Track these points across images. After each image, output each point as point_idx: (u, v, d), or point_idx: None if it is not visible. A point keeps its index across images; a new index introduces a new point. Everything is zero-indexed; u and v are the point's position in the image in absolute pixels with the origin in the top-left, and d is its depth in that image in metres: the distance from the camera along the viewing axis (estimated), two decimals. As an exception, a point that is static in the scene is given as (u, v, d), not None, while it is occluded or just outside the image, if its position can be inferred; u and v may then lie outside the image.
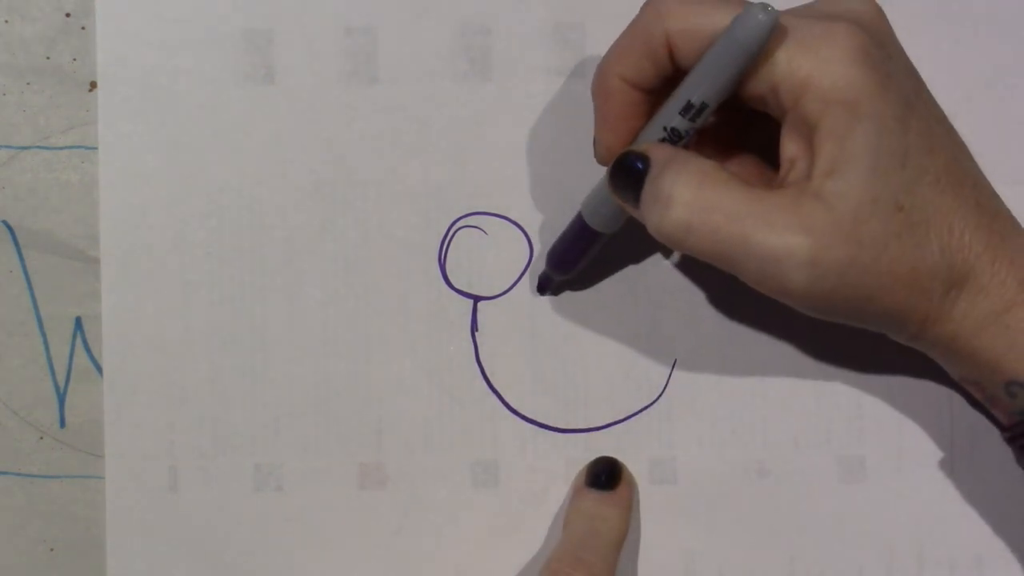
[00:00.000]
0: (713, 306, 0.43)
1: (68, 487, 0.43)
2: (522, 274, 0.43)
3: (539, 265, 0.43)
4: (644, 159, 0.36)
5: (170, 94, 0.42)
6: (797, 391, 0.43)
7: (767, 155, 0.39)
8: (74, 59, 0.43)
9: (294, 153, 0.43)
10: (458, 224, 0.43)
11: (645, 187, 0.35)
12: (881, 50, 0.35)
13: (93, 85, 0.43)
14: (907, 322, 0.36)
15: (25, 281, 0.43)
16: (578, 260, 0.41)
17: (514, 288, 0.43)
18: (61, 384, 0.43)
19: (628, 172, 0.36)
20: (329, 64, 0.43)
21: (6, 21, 0.43)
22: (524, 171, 0.43)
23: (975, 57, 0.42)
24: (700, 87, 0.35)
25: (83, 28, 0.43)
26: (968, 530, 0.42)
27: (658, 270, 0.43)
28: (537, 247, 0.43)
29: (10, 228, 0.43)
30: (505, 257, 0.43)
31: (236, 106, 0.43)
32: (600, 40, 0.42)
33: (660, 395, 0.43)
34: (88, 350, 0.43)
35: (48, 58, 0.43)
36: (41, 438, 0.43)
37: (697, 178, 0.35)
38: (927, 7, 0.42)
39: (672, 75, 0.36)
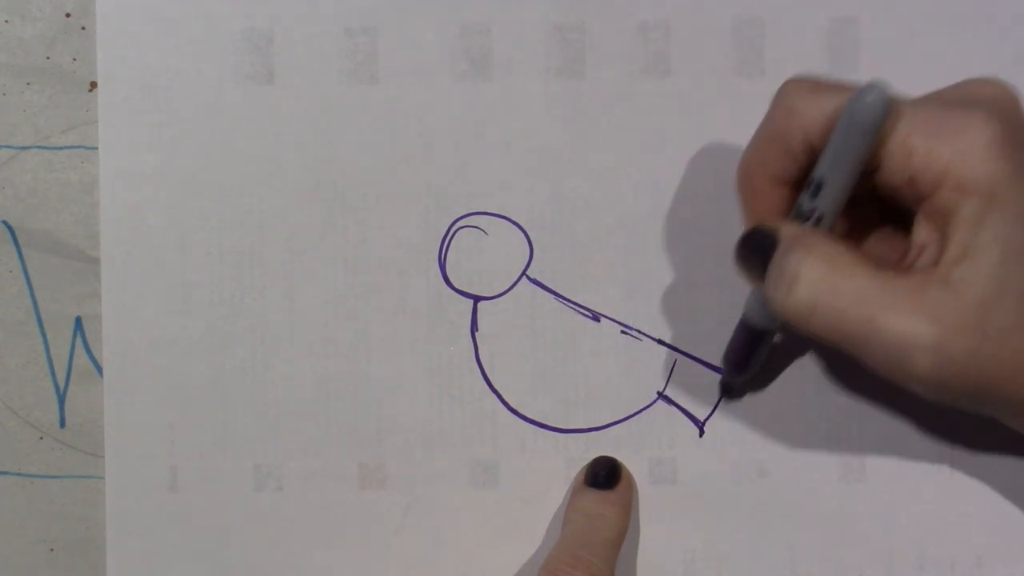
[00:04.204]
0: (713, 306, 0.43)
1: (68, 487, 0.43)
2: (522, 274, 0.43)
3: (539, 265, 0.43)
4: (772, 235, 0.36)
5: (170, 94, 0.42)
6: (797, 391, 0.43)
7: (901, 236, 0.39)
8: (74, 59, 0.43)
9: (294, 153, 0.43)
10: (458, 224, 0.43)
11: (772, 263, 0.36)
12: (1017, 137, 0.34)
13: (93, 85, 0.43)
14: None
15: (25, 281, 0.43)
16: (752, 361, 0.41)
17: (514, 288, 0.43)
18: (61, 384, 0.43)
19: (755, 247, 0.37)
20: (329, 64, 0.43)
21: (6, 21, 0.43)
22: (524, 171, 0.43)
23: (975, 57, 0.42)
24: (821, 166, 0.35)
25: (83, 28, 0.43)
26: (968, 530, 0.42)
27: (658, 270, 0.43)
28: (537, 247, 0.43)
29: (10, 228, 0.43)
30: (505, 257, 0.43)
31: (236, 106, 0.43)
32: (600, 40, 0.42)
33: (660, 395, 0.43)
34: (88, 350, 0.43)
35: (48, 58, 0.43)
36: (41, 438, 0.43)
37: (825, 259, 0.35)
38: (927, 7, 0.42)
39: (812, 163, 0.36)
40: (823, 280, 0.34)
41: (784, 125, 0.36)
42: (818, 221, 0.36)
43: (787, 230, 0.36)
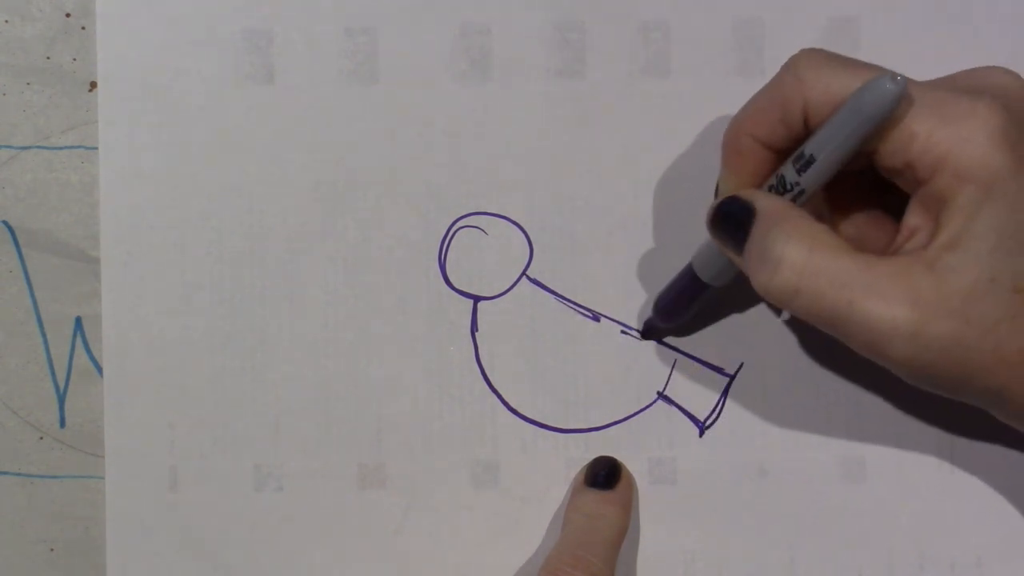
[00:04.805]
0: (713, 306, 0.43)
1: (68, 487, 0.43)
2: (522, 274, 0.43)
3: (539, 265, 0.43)
4: (749, 207, 0.36)
5: (170, 94, 0.42)
6: (797, 391, 0.43)
7: (886, 218, 0.39)
8: (74, 59, 0.43)
9: (294, 153, 0.43)
10: (458, 224, 0.43)
11: (752, 241, 0.36)
12: (1021, 128, 0.34)
13: (93, 85, 0.43)
14: (1008, 401, 0.35)
15: (25, 281, 0.43)
16: (685, 311, 0.41)
17: (514, 288, 0.43)
18: (61, 384, 0.43)
19: (731, 218, 0.36)
20: (329, 64, 0.43)
21: (6, 21, 0.43)
22: (524, 171, 0.43)
23: (975, 57, 0.42)
24: (815, 142, 0.35)
25: (83, 28, 0.43)
26: (968, 530, 0.42)
27: (658, 270, 0.43)
28: (537, 247, 0.43)
29: (10, 228, 0.43)
30: (505, 257, 0.43)
31: (236, 106, 0.43)
32: (600, 40, 0.42)
33: (660, 395, 0.43)
34: (88, 350, 0.43)
35: (48, 58, 0.43)
36: (41, 438, 0.43)
37: (807, 242, 0.35)
38: (927, 7, 0.42)
39: (804, 136, 0.36)
40: (806, 264, 0.34)
41: (788, 91, 0.36)
42: (797, 196, 0.36)
43: (765, 203, 0.36)
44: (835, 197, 0.39)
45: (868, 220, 0.39)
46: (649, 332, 0.43)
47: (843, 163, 0.35)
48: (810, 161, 0.35)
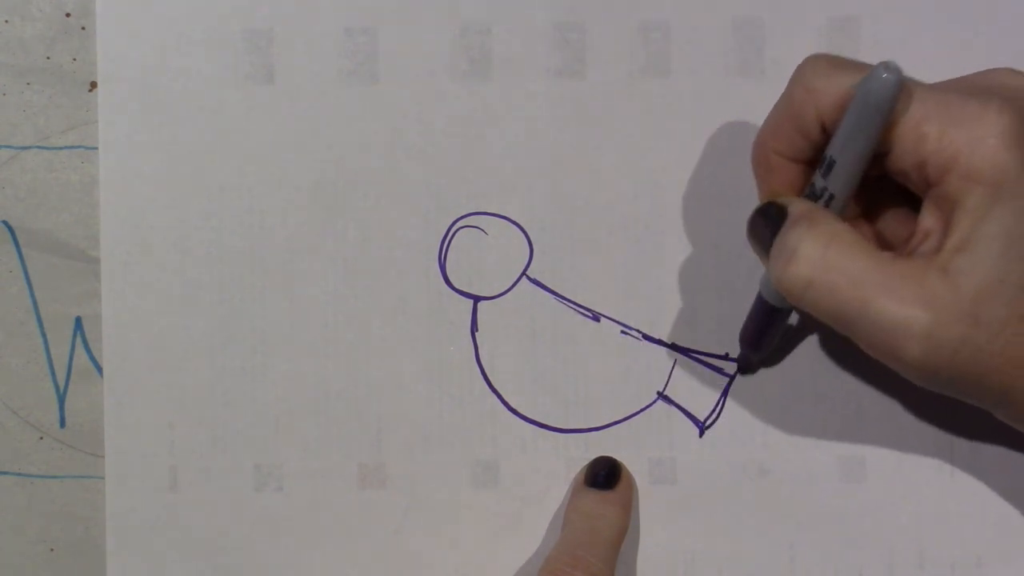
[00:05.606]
0: (713, 306, 0.43)
1: (68, 487, 0.43)
2: (522, 274, 0.43)
3: (539, 265, 0.43)
4: (782, 210, 0.36)
5: (170, 94, 0.42)
6: (797, 391, 0.43)
7: (910, 220, 0.39)
8: (74, 59, 0.43)
9: (294, 153, 0.43)
10: (458, 224, 0.43)
11: (776, 239, 0.36)
12: None
13: (93, 85, 0.43)
14: (1014, 403, 0.35)
15: (25, 281, 0.43)
16: (768, 338, 0.41)
17: (514, 288, 0.43)
18: (61, 384, 0.43)
19: (766, 221, 0.37)
20: (329, 64, 0.43)
21: (6, 21, 0.43)
22: (524, 171, 0.43)
23: (975, 57, 0.42)
24: (833, 145, 0.35)
25: (83, 28, 0.43)
26: (968, 530, 0.42)
27: (659, 270, 0.43)
28: (537, 247, 0.43)
29: (10, 228, 0.43)
30: (505, 257, 0.43)
31: (236, 106, 0.43)
32: (600, 40, 0.42)
33: (660, 395, 0.43)
34: (88, 350, 0.43)
35: (48, 58, 0.43)
36: (41, 438, 0.43)
37: (825, 237, 0.35)
38: (927, 7, 0.42)
39: (826, 143, 0.36)
40: (821, 258, 0.35)
41: (799, 102, 0.36)
42: (829, 200, 0.36)
43: (797, 206, 0.36)
44: (868, 201, 0.39)
45: (899, 222, 0.39)
46: (746, 366, 0.43)
47: (863, 162, 0.35)
48: (831, 164, 0.35)
